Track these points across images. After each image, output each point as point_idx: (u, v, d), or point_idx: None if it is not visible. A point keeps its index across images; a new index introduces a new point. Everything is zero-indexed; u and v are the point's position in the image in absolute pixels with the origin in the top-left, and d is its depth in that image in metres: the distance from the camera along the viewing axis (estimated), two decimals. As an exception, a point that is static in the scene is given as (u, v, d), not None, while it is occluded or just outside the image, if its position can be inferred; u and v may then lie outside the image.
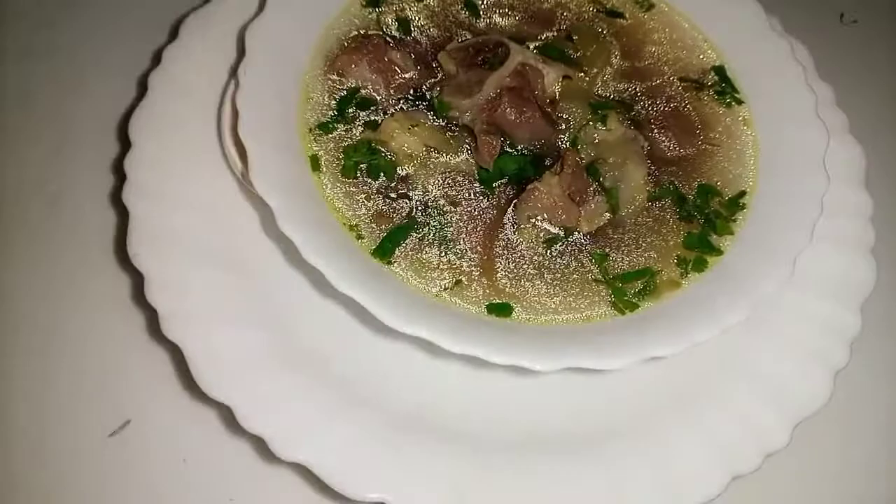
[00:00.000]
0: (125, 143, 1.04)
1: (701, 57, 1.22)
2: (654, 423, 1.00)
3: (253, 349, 0.96)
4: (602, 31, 1.22)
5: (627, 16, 1.25)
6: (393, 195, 1.03)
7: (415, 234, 1.00)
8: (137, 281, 0.97)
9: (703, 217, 1.06)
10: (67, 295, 1.07)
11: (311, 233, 0.91)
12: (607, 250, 1.02)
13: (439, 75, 1.13)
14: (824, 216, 1.00)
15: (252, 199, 1.08)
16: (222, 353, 0.94)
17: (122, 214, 0.99)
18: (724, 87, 1.18)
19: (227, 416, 0.91)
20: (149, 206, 1.01)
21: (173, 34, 1.16)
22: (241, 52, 1.04)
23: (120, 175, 1.02)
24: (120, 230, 1.09)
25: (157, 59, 1.12)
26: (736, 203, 1.07)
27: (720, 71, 1.20)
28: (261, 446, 0.90)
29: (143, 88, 1.09)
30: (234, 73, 1.02)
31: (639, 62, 1.20)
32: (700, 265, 1.01)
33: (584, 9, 1.25)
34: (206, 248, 1.02)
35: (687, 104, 1.17)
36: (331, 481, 0.88)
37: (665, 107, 1.16)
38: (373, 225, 1.00)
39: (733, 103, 1.17)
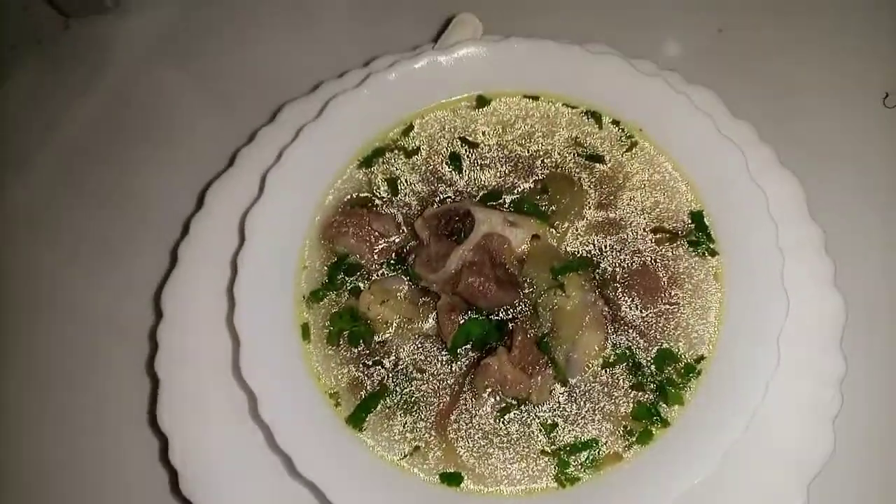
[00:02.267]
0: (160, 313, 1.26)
1: (680, 200, 1.24)
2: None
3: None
4: (578, 180, 1.26)
5: (608, 159, 1.28)
6: (369, 362, 1.16)
7: (384, 402, 1.14)
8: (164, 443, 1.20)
9: (655, 385, 1.11)
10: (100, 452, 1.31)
11: (285, 419, 1.07)
12: (557, 420, 1.11)
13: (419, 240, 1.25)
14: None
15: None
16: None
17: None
18: (699, 235, 1.20)
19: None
20: (177, 371, 1.23)
21: (200, 202, 1.35)
22: (241, 238, 1.21)
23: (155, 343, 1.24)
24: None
25: (185, 229, 1.33)
26: (692, 369, 1.11)
27: (697, 217, 1.21)
28: None
29: (174, 258, 1.30)
30: (233, 262, 1.19)
31: (613, 212, 1.24)
32: (645, 437, 1.07)
33: (565, 154, 1.29)
34: (227, 409, 1.22)
35: (657, 258, 1.20)
36: None
37: (632, 263, 1.19)
38: (349, 392, 1.15)
39: (707, 254, 1.18)
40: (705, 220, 1.20)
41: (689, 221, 1.20)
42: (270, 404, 1.08)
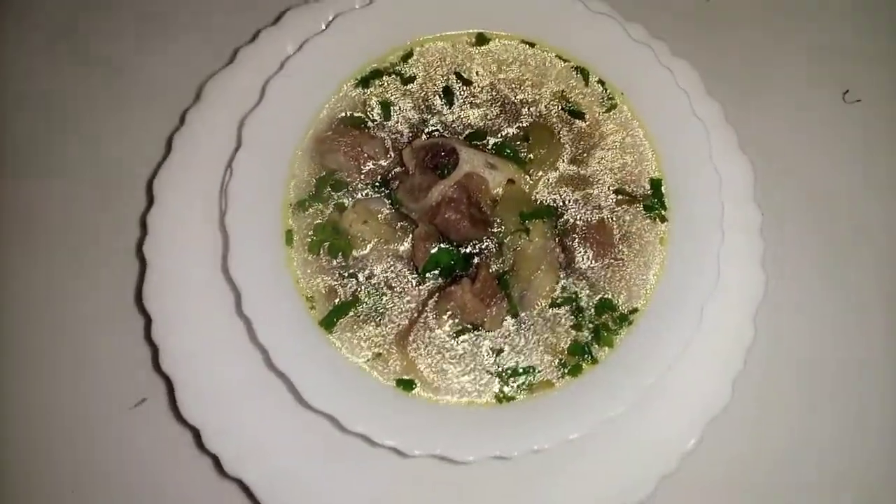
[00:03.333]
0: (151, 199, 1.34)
1: (644, 167, 1.35)
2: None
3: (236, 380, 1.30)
4: (558, 133, 1.37)
5: (587, 117, 1.38)
6: (345, 274, 1.27)
7: (355, 310, 1.28)
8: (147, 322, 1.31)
9: (591, 328, 1.27)
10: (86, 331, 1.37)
11: (264, 315, 1.20)
12: (503, 346, 1.27)
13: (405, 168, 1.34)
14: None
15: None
16: (208, 384, 1.29)
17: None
18: (654, 202, 1.32)
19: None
20: (164, 257, 1.33)
21: (198, 95, 1.40)
22: (238, 142, 1.28)
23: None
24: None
25: (182, 120, 1.38)
26: (625, 319, 1.27)
27: (656, 184, 1.33)
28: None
29: (169, 147, 1.37)
30: (229, 164, 1.27)
31: (584, 168, 1.35)
32: (576, 371, 1.25)
33: (550, 106, 1.38)
34: (209, 297, 1.33)
35: (614, 216, 1.33)
36: None
37: (592, 217, 1.30)
38: (324, 298, 1.28)
39: (658, 220, 1.32)
40: (662, 188, 1.30)
41: (649, 188, 1.30)
42: (252, 300, 1.19)
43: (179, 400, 1.25)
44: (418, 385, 1.24)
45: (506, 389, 1.24)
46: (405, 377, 1.24)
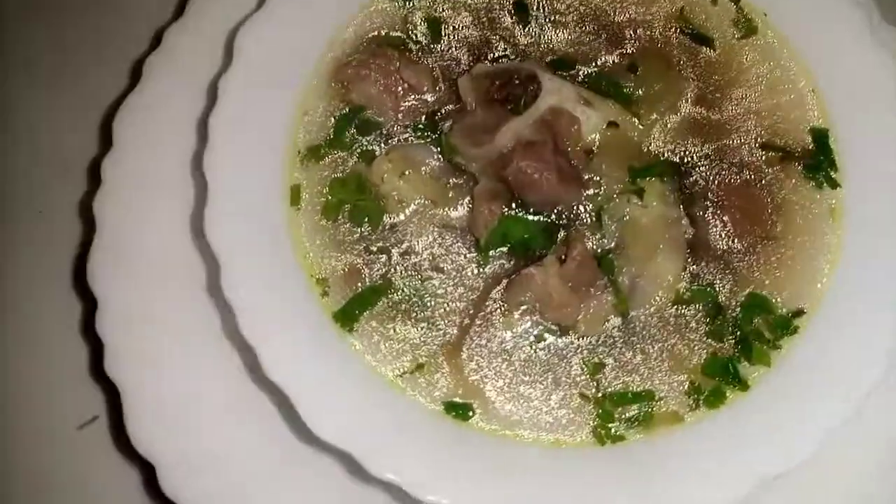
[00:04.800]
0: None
1: (801, 112, 0.98)
2: None
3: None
4: (679, 63, 0.99)
5: (717, 44, 1.00)
6: (373, 248, 0.92)
7: (386, 301, 0.89)
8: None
9: (737, 336, 0.88)
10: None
11: (254, 299, 0.81)
12: (605, 359, 0.87)
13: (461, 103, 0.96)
14: None
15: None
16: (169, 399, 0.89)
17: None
18: (820, 160, 0.95)
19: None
20: (119, 216, 0.95)
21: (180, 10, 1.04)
22: (227, 58, 0.91)
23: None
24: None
25: (157, 40, 1.02)
26: (787, 325, 0.89)
27: (821, 136, 0.96)
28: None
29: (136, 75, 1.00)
30: (213, 86, 0.90)
31: (716, 112, 0.98)
32: (715, 400, 0.85)
33: (665, 29, 1.00)
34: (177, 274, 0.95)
35: (763, 179, 0.95)
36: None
37: (732, 179, 0.95)
38: (342, 281, 0.90)
39: (825, 185, 0.93)
40: (830, 142, 0.96)
41: (810, 141, 0.97)
42: (237, 277, 0.83)
43: (128, 421, 0.85)
44: (478, 411, 0.86)
45: (611, 425, 0.85)
46: (458, 400, 0.86)
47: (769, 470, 0.78)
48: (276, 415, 0.86)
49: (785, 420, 0.82)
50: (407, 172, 0.91)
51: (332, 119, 0.96)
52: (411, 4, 1.01)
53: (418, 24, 1.00)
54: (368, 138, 0.96)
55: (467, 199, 0.93)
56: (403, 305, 0.89)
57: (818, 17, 0.98)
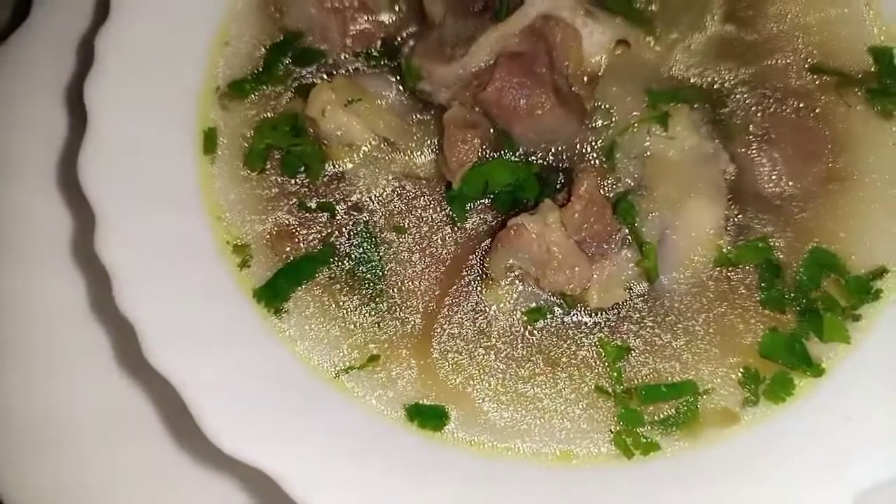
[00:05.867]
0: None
1: (858, 29, 0.82)
2: None
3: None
4: (702, -30, 0.82)
5: (748, -52, 0.83)
6: (311, 204, 0.75)
7: (327, 272, 0.71)
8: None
9: (803, 305, 0.71)
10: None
11: (142, 265, 0.61)
12: (629, 341, 0.69)
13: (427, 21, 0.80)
14: None
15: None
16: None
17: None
18: (886, 82, 0.79)
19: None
20: None
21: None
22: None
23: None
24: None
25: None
26: (866, 288, 0.71)
27: (885, 56, 0.80)
28: None
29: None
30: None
31: (750, 29, 0.82)
32: (780, 390, 0.67)
33: (680, -68, 0.84)
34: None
35: (817, 108, 0.78)
36: None
37: (779, 108, 0.78)
38: (269, 249, 0.72)
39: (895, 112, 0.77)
40: None
41: (872, 61, 0.81)
42: (119, 235, 0.65)
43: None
44: (454, 418, 0.67)
45: (639, 430, 0.65)
46: (426, 402, 0.68)
47: (866, 480, 0.59)
48: (162, 423, 0.63)
49: (877, 412, 0.63)
50: (353, 101, 0.72)
51: (262, 49, 0.80)
52: None
53: (372, -70, 0.84)
54: (308, 70, 0.79)
55: (435, 139, 0.76)
56: (350, 279, 0.72)
57: None
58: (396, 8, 0.81)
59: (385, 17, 0.81)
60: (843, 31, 0.82)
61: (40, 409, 0.65)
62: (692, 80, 0.79)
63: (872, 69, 0.80)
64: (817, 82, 0.79)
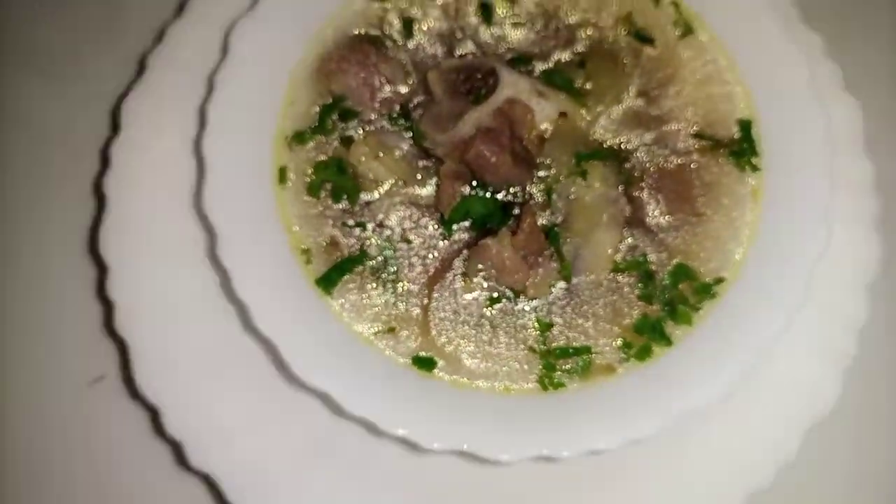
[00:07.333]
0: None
1: (730, 106, 1.09)
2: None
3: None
4: (622, 60, 1.10)
5: (658, 43, 1.11)
6: (350, 222, 1.02)
7: (361, 268, 1.00)
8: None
9: (664, 300, 0.99)
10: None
11: (246, 265, 0.93)
12: (554, 318, 0.99)
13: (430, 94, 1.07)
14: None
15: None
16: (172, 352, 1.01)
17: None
18: (744, 146, 1.06)
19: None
20: (127, 194, 1.06)
21: (180, 8, 1.15)
22: (224, 51, 1.02)
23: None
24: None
25: (160, 36, 1.13)
26: (707, 290, 0.99)
27: (746, 126, 1.07)
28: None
29: (142, 68, 1.11)
30: (210, 78, 1.01)
31: (655, 104, 1.09)
32: (643, 353, 0.97)
33: (612, 30, 1.12)
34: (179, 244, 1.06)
35: (693, 163, 1.06)
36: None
37: (666, 163, 1.05)
38: (324, 252, 1.01)
39: (748, 168, 1.05)
40: (754, 131, 1.06)
41: (737, 130, 1.07)
42: (232, 245, 0.94)
43: (136, 371, 0.98)
44: (440, 364, 0.97)
45: (554, 374, 0.96)
46: (424, 354, 0.97)
47: (686, 406, 0.90)
48: (267, 364, 0.99)
49: (701, 369, 0.93)
50: (381, 155, 1.02)
51: (316, 108, 1.05)
52: (388, 6, 1.12)
53: (394, 23, 1.11)
54: (348, 125, 1.05)
55: (434, 179, 1.03)
56: (377, 272, 1.00)
57: (744, 18, 1.08)
58: (410, 81, 1.07)
59: (402, 89, 1.07)
60: (721, 106, 1.07)
61: (186, 346, 1.03)
62: (609, 142, 1.04)
63: (736, 135, 1.05)
64: (697, 146, 1.05)
